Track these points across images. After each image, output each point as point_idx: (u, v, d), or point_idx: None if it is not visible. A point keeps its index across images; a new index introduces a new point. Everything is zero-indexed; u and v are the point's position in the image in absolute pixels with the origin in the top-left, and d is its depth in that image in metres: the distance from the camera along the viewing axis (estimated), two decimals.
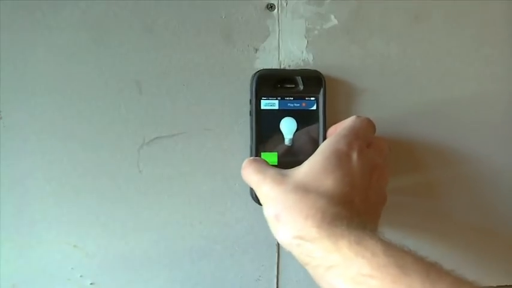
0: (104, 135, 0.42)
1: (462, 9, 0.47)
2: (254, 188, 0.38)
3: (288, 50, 0.44)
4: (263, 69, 0.43)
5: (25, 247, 0.42)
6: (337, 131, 0.39)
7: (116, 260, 0.43)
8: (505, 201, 0.49)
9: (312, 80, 0.43)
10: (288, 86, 0.43)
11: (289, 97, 0.42)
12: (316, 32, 0.44)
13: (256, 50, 0.44)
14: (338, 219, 0.33)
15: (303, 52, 0.44)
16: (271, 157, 0.42)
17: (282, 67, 0.44)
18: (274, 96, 0.42)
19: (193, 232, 0.44)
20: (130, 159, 0.42)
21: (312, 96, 0.43)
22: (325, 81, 0.43)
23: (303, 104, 0.43)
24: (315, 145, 0.41)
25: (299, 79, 0.42)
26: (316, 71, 0.43)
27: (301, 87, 0.42)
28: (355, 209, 0.35)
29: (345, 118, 0.40)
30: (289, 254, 0.45)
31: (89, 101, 0.42)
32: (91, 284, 0.43)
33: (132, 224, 0.43)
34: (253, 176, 0.38)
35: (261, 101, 0.42)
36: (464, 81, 0.47)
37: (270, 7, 0.44)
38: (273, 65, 0.44)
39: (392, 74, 0.46)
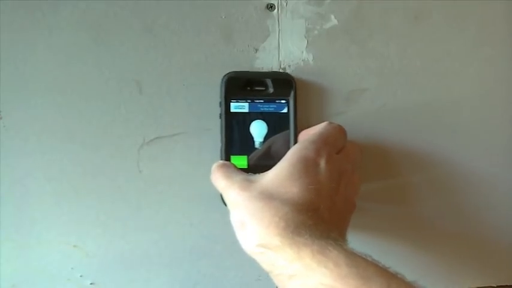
0: (104, 135, 0.42)
1: (462, 9, 0.47)
2: (222, 193, 0.37)
3: (288, 50, 0.44)
4: (233, 71, 0.42)
5: (25, 247, 0.42)
6: (306, 137, 0.38)
7: (116, 260, 0.43)
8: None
9: (283, 83, 0.42)
10: (258, 88, 0.42)
11: (259, 100, 0.42)
12: (316, 32, 0.44)
13: (256, 50, 0.44)
14: (301, 227, 0.32)
15: (303, 52, 0.44)
16: (241, 160, 0.41)
17: (282, 67, 0.44)
18: (244, 99, 0.42)
19: (193, 232, 0.44)
20: (130, 159, 0.42)
21: (283, 99, 0.42)
22: (295, 83, 0.42)
23: (274, 107, 0.42)
24: (286, 149, 0.40)
25: (269, 81, 0.42)
26: (286, 74, 0.43)
27: (271, 89, 0.42)
28: (320, 217, 0.34)
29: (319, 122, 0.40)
30: None
31: (89, 101, 0.42)
32: (91, 284, 0.43)
33: (132, 224, 0.43)
34: (221, 181, 0.37)
35: (231, 103, 0.42)
36: (464, 82, 0.47)
37: (270, 7, 0.44)
38: (273, 65, 0.44)
39: (392, 74, 0.46)
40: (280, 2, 0.44)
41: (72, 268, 0.43)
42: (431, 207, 0.48)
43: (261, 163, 0.40)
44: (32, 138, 0.41)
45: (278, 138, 0.42)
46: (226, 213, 0.44)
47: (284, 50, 0.44)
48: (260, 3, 0.44)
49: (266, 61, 0.44)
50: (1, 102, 0.40)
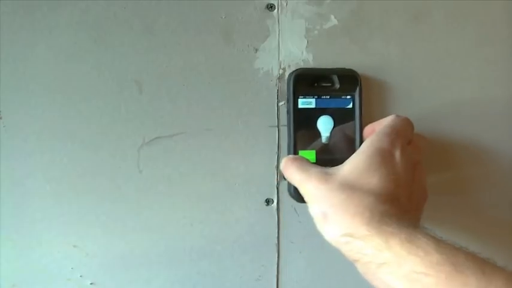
0: (104, 135, 0.42)
1: (462, 9, 0.47)
2: (298, 187, 0.38)
3: (288, 50, 0.44)
4: (300, 68, 0.43)
5: (25, 247, 0.42)
6: (378, 129, 0.39)
7: (116, 260, 0.43)
8: None
9: (348, 79, 0.43)
10: (325, 84, 0.43)
11: (325, 96, 0.43)
12: (316, 32, 0.44)
13: (256, 50, 0.44)
14: (387, 217, 0.33)
15: (302, 52, 0.44)
16: (310, 155, 0.42)
17: (282, 67, 0.44)
18: (311, 95, 0.43)
19: (193, 232, 0.44)
20: (130, 159, 0.42)
21: (348, 95, 0.43)
22: (360, 80, 0.43)
23: (340, 103, 0.43)
24: (352, 143, 0.42)
25: (335, 78, 0.43)
26: (352, 70, 0.43)
27: (337, 85, 0.43)
28: (402, 206, 0.35)
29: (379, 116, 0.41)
30: (289, 254, 0.45)
31: (89, 101, 0.42)
32: (91, 284, 0.43)
33: (132, 224, 0.43)
34: (296, 174, 0.38)
35: (298, 100, 0.42)
36: (463, 81, 0.47)
37: (270, 7, 0.44)
38: (273, 65, 0.44)
39: (392, 74, 0.46)
40: (280, 2, 0.44)
41: (72, 268, 0.43)
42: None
43: (329, 157, 0.42)
44: (32, 138, 0.41)
45: (344, 132, 0.43)
46: (226, 213, 0.44)
47: (284, 50, 0.44)
48: (260, 3, 0.44)
49: (266, 61, 0.44)
50: (1, 102, 0.40)
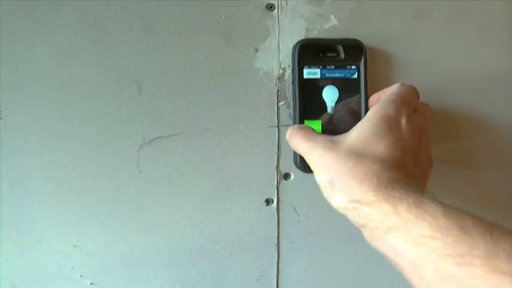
0: (104, 135, 0.42)
1: (462, 9, 0.47)
2: (304, 155, 0.38)
3: (288, 50, 0.44)
4: (305, 38, 0.44)
5: (25, 247, 0.42)
6: (383, 97, 0.39)
7: (116, 260, 0.43)
8: None
9: (353, 49, 0.43)
10: (330, 54, 0.43)
11: (330, 66, 0.43)
12: (316, 32, 0.44)
13: (256, 50, 0.44)
14: (394, 182, 0.34)
15: None
16: (315, 125, 0.42)
17: (282, 67, 0.44)
18: (316, 65, 0.43)
19: (193, 232, 0.44)
20: (130, 159, 0.42)
21: (353, 65, 0.43)
22: (366, 50, 0.43)
23: (344, 73, 0.43)
24: (357, 113, 0.43)
25: (340, 48, 0.43)
26: (356, 40, 0.44)
27: (342, 55, 0.43)
28: (409, 172, 0.36)
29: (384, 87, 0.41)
30: (289, 254, 0.45)
31: (89, 101, 0.42)
32: (91, 284, 0.43)
33: (132, 224, 0.43)
34: (302, 143, 0.38)
35: (304, 70, 0.42)
36: (463, 81, 0.47)
37: (270, 7, 0.44)
38: (273, 65, 0.44)
39: (392, 74, 0.46)
40: (280, 2, 0.44)
41: (72, 268, 0.43)
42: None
43: (335, 127, 0.42)
44: (32, 138, 0.41)
45: (349, 102, 0.43)
46: (226, 213, 0.44)
47: (284, 50, 0.44)
48: (260, 3, 0.44)
49: (266, 61, 0.44)
50: (1, 102, 0.40)
